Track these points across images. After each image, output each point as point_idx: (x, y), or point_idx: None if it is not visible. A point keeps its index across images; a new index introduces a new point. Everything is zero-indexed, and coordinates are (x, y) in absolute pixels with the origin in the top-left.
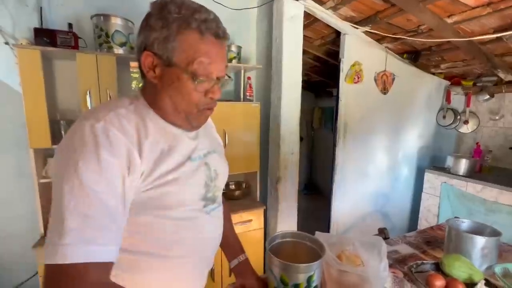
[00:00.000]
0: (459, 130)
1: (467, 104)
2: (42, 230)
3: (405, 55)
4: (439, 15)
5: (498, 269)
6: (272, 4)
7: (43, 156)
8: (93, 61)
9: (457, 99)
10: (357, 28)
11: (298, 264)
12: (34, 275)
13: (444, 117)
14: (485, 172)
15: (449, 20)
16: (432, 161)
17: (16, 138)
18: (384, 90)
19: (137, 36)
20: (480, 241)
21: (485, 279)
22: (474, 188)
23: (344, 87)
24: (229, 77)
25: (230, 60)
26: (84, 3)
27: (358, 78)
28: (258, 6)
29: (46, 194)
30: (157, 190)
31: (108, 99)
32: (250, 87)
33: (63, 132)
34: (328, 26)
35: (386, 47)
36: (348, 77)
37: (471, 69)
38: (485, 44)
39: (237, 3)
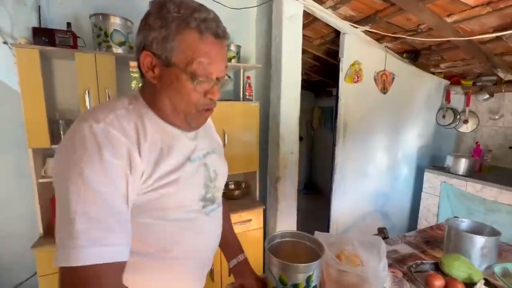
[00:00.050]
0: (459, 130)
1: (467, 103)
2: (41, 230)
3: (404, 55)
4: (439, 15)
5: (497, 268)
6: (271, 3)
7: (42, 156)
8: (92, 61)
9: (457, 99)
10: (356, 27)
11: (297, 264)
12: (33, 275)
13: (443, 116)
14: (484, 171)
15: (449, 20)
16: (432, 161)
17: (15, 138)
18: (384, 90)
19: (136, 35)
20: (479, 240)
21: (485, 279)
22: (474, 187)
23: (344, 86)
24: (229, 77)
25: (229, 60)
26: (83, 2)
27: (358, 77)
28: (257, 5)
29: (45, 194)
30: (157, 191)
31: (107, 98)
32: (250, 86)
33: (62, 132)
34: (327, 25)
35: (385, 46)
36: (347, 77)
37: (470, 68)
38: (484, 44)
39: (237, 2)
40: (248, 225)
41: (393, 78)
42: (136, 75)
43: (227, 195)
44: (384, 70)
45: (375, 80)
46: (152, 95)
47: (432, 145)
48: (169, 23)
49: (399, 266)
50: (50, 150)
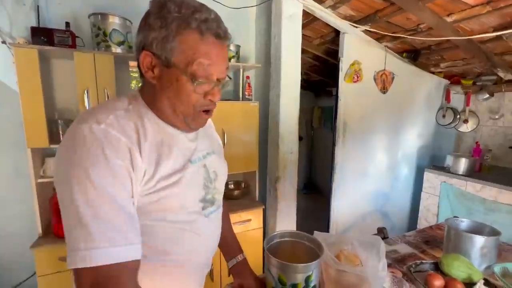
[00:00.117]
0: (459, 129)
1: (467, 103)
2: (40, 230)
3: (404, 54)
4: (439, 14)
5: (497, 268)
6: (270, 2)
7: (41, 156)
8: (90, 60)
9: (457, 98)
10: (356, 27)
11: (296, 264)
12: (32, 275)
13: (443, 116)
14: (484, 171)
15: (449, 19)
16: (432, 161)
17: (13, 137)
18: (384, 89)
19: (136, 35)
20: (479, 240)
21: (484, 279)
22: (474, 187)
23: (343, 86)
24: (230, 78)
25: (228, 59)
26: (82, 2)
27: (358, 77)
28: (256, 5)
29: (44, 193)
30: (158, 193)
31: (106, 98)
32: (249, 86)
33: (61, 132)
34: (327, 25)
35: (385, 46)
36: (347, 76)
37: (470, 68)
38: (484, 43)
39: (236, 2)
40: (248, 225)
41: (393, 78)
42: (135, 75)
43: (227, 195)
44: (384, 69)
45: (375, 79)
46: (151, 95)
47: (432, 144)
48: (169, 23)
49: (398, 266)
50: (49, 150)
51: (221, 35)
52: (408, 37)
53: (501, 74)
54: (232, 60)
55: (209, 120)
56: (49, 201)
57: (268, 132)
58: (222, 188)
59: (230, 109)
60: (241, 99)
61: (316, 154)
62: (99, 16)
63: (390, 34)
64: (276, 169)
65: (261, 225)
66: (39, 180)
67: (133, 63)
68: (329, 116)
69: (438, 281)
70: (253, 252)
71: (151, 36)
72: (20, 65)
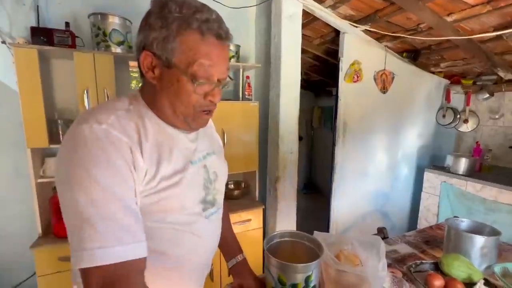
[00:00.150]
0: (459, 129)
1: (467, 103)
2: (40, 230)
3: (404, 54)
4: (439, 14)
5: (497, 268)
6: (270, 2)
7: (41, 156)
8: (90, 60)
9: (457, 98)
10: (356, 26)
11: (295, 264)
12: (32, 275)
13: (443, 116)
14: (484, 171)
15: (449, 19)
16: (432, 160)
17: (13, 137)
18: (384, 89)
19: (137, 35)
20: (479, 240)
21: (485, 279)
22: (474, 187)
23: (343, 86)
24: (231, 78)
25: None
26: (82, 2)
27: (358, 77)
28: (256, 5)
29: (44, 193)
30: (159, 194)
31: (106, 98)
32: (249, 86)
33: (60, 132)
34: (327, 25)
35: (385, 46)
36: (347, 76)
37: (471, 67)
38: (485, 43)
39: (236, 2)
40: (248, 225)
41: (393, 78)
42: (135, 74)
43: (227, 195)
44: (384, 69)
45: (375, 79)
46: (152, 96)
47: (432, 144)
48: (170, 23)
49: (398, 266)
50: (48, 150)
51: (222, 36)
52: (408, 37)
53: (501, 73)
54: (232, 60)
55: (209, 120)
56: (49, 201)
57: (268, 132)
58: (222, 189)
59: (230, 109)
60: (241, 99)
61: (316, 154)
62: (99, 16)
63: (390, 34)
64: (276, 169)
65: (261, 225)
66: (39, 180)
67: (133, 63)
68: (329, 116)
69: (438, 281)
70: (253, 252)
71: (152, 36)
72: (20, 65)
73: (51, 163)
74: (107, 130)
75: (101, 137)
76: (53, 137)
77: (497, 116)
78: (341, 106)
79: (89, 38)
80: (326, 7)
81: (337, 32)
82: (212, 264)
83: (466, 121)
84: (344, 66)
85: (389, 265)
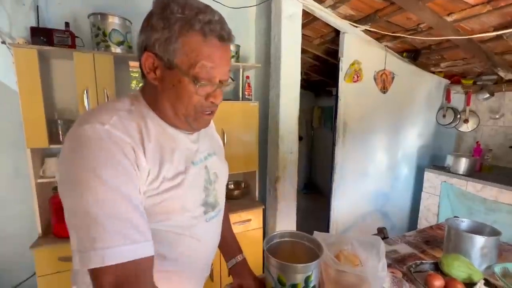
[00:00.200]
0: (459, 129)
1: (467, 103)
2: (40, 230)
3: (404, 54)
4: (439, 13)
5: (497, 268)
6: (270, 2)
7: (41, 156)
8: (90, 60)
9: (457, 98)
10: (356, 26)
11: (295, 264)
12: (32, 275)
13: (444, 116)
14: (485, 171)
15: (449, 18)
16: (432, 160)
17: (13, 138)
18: (384, 89)
19: (139, 35)
20: (479, 240)
21: (485, 279)
22: (474, 187)
23: (343, 86)
24: (233, 80)
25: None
26: (81, 2)
27: (358, 77)
28: (256, 5)
29: (44, 194)
30: (162, 195)
31: (106, 98)
32: (249, 86)
33: (60, 132)
34: (327, 24)
35: (385, 45)
36: (347, 76)
37: (471, 67)
38: (485, 42)
39: (236, 2)
40: (248, 225)
41: (393, 78)
42: (135, 75)
43: (227, 195)
44: (384, 69)
45: (375, 79)
46: (153, 96)
47: (432, 144)
48: (172, 25)
49: (398, 266)
50: (48, 150)
51: (225, 37)
52: (408, 36)
53: (502, 73)
54: (232, 60)
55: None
56: (49, 201)
57: (268, 132)
58: (222, 190)
59: (230, 109)
60: (241, 99)
61: (316, 154)
62: (99, 16)
63: (390, 34)
64: (276, 169)
65: (261, 225)
66: (39, 180)
67: (133, 63)
68: (329, 116)
69: (438, 281)
70: (253, 252)
71: (154, 37)
72: (20, 65)
73: (51, 163)
74: (109, 130)
75: (104, 137)
76: (53, 137)
77: (497, 116)
78: (341, 106)
79: (89, 38)
80: (326, 7)
81: (337, 32)
82: (212, 264)
83: (466, 121)
84: (344, 66)
85: (389, 265)
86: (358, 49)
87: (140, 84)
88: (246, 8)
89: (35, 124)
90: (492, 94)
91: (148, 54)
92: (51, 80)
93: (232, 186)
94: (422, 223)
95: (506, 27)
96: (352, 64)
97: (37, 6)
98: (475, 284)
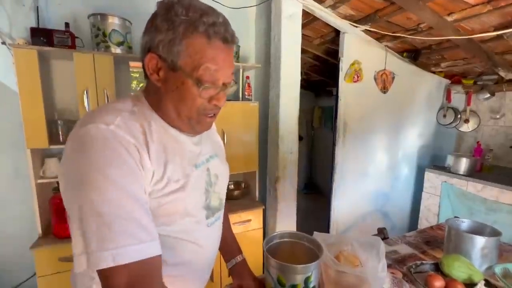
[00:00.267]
0: (460, 129)
1: (468, 102)
2: (40, 231)
3: (405, 54)
4: (439, 13)
5: (498, 269)
6: (270, 2)
7: (41, 157)
8: (90, 61)
9: (458, 98)
10: (356, 26)
11: (295, 265)
12: (32, 276)
13: (444, 116)
14: (485, 171)
15: (449, 18)
16: (433, 160)
17: (13, 138)
18: (384, 89)
19: (142, 36)
20: (480, 241)
21: (485, 280)
22: (475, 187)
23: (344, 86)
24: (236, 82)
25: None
26: (81, 3)
27: (358, 77)
28: (256, 5)
29: (44, 194)
30: (165, 197)
31: (106, 98)
32: (249, 86)
33: (60, 132)
34: (327, 24)
35: (385, 45)
36: (347, 76)
37: (471, 67)
38: (485, 42)
39: (236, 2)
40: (248, 225)
41: (393, 78)
42: (135, 75)
43: (227, 195)
44: (384, 69)
45: (375, 79)
46: (156, 98)
47: (432, 144)
48: (177, 26)
49: (398, 267)
50: (48, 150)
51: (229, 39)
52: (409, 36)
53: (502, 73)
54: None
55: None
56: (49, 201)
57: (268, 132)
58: (223, 191)
59: (230, 109)
60: (241, 99)
61: (316, 154)
62: (99, 16)
63: (390, 34)
64: (276, 169)
65: (261, 225)
66: (39, 181)
67: (133, 64)
68: (329, 116)
69: (439, 282)
70: (253, 252)
71: (158, 39)
72: (20, 66)
73: (51, 163)
74: (114, 130)
75: (109, 137)
76: (53, 138)
77: (498, 116)
78: (341, 106)
79: (89, 39)
80: (326, 7)
81: (337, 32)
82: (211, 269)
83: (467, 121)
84: (344, 66)
85: (389, 266)
86: (358, 49)
87: (141, 85)
88: (246, 8)
89: (35, 124)
90: (492, 94)
91: (152, 56)
92: (51, 80)
93: (232, 186)
94: (423, 223)
95: (506, 27)
96: (352, 64)
97: (37, 7)
98: (475, 284)
